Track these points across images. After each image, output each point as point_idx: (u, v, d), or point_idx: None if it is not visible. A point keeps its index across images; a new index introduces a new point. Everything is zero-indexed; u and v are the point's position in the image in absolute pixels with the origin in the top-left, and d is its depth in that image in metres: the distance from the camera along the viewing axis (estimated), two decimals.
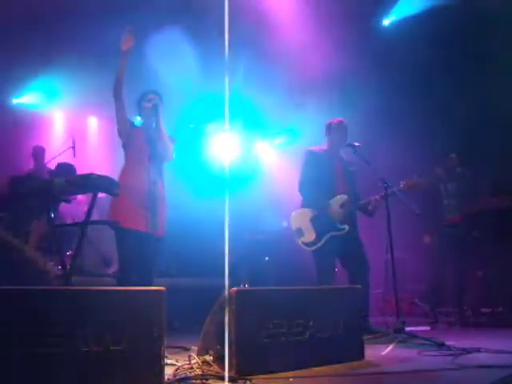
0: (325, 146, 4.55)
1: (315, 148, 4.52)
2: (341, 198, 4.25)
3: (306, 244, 4.31)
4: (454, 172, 5.64)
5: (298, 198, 4.58)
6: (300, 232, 4.35)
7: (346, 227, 4.21)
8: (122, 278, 3.54)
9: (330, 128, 4.53)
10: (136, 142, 3.70)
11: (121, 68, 3.60)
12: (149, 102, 3.72)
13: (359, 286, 3.47)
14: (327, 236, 4.23)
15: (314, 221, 4.30)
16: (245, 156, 9.22)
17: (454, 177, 5.66)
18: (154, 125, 3.69)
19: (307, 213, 4.36)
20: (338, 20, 6.27)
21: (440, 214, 5.62)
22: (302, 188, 4.39)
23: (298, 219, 4.39)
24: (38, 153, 6.54)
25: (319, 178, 4.27)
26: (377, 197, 4.21)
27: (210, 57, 6.13)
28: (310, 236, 4.29)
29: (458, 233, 5.50)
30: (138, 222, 3.49)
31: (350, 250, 4.31)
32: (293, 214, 4.46)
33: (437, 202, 5.65)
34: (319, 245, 4.24)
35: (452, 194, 5.66)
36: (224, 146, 9.10)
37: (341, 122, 4.50)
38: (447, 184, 5.69)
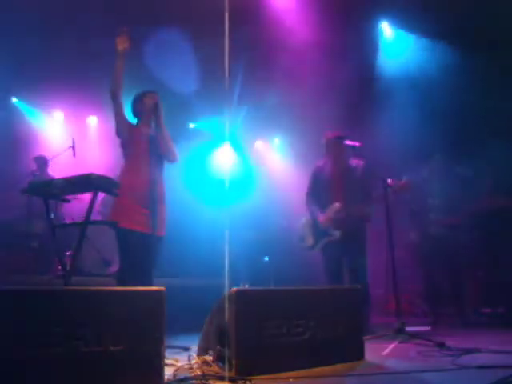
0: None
1: (320, 162, 4.87)
2: (334, 206, 4.54)
3: (307, 248, 4.81)
4: (439, 171, 5.72)
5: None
6: (302, 239, 4.84)
7: (337, 233, 4.51)
8: (122, 278, 3.54)
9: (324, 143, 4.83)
10: (136, 142, 3.68)
11: (117, 69, 3.57)
12: (149, 101, 3.72)
13: (359, 286, 3.48)
14: (322, 242, 4.65)
15: (312, 228, 4.74)
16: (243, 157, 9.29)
17: (438, 177, 5.72)
18: (154, 124, 3.68)
19: (308, 221, 4.81)
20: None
21: (425, 213, 5.64)
22: (306, 201, 4.86)
23: (302, 228, 4.86)
24: (41, 162, 6.57)
25: (318, 190, 4.73)
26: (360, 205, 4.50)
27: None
28: (309, 241, 4.76)
29: (457, 233, 5.50)
30: (139, 222, 3.49)
31: (347, 256, 4.61)
32: (299, 223, 4.93)
33: (421, 202, 5.67)
34: (316, 249, 4.71)
35: (437, 193, 5.70)
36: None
37: (327, 137, 4.75)
38: (434, 184, 5.74)
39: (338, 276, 4.61)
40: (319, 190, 4.74)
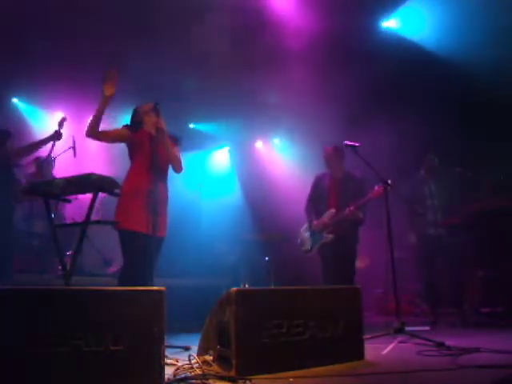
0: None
1: (321, 172, 5.30)
2: (330, 212, 4.99)
3: (305, 251, 5.20)
4: (435, 172, 5.75)
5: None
6: (302, 243, 5.24)
7: (330, 236, 4.93)
8: (124, 279, 3.55)
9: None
10: (139, 144, 3.70)
11: (100, 113, 3.52)
12: (144, 107, 3.76)
13: (359, 286, 3.48)
14: (318, 244, 5.04)
15: (310, 233, 5.15)
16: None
17: (435, 177, 5.75)
18: (155, 127, 3.68)
19: (306, 227, 5.23)
20: None
21: (423, 214, 5.65)
22: (305, 207, 5.28)
23: (302, 233, 5.28)
24: (43, 164, 6.55)
25: (317, 197, 5.18)
26: (351, 208, 4.83)
27: None
28: (307, 245, 5.16)
29: (458, 233, 5.50)
30: (142, 223, 3.50)
31: (338, 259, 4.91)
32: (301, 229, 5.32)
33: (420, 203, 5.69)
34: (312, 251, 5.10)
35: (435, 194, 5.73)
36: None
37: (326, 150, 5.16)
38: (431, 185, 5.77)
39: (331, 275, 4.90)
40: (318, 198, 5.15)
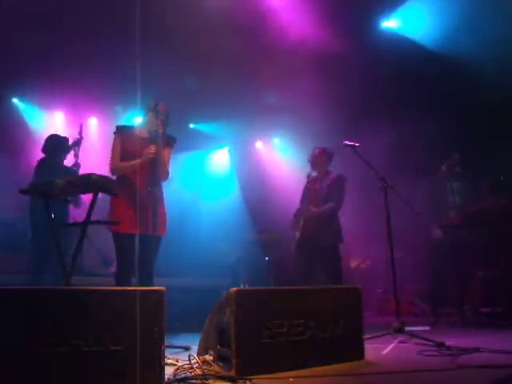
0: None
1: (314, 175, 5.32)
2: (303, 213, 5.07)
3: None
4: (456, 171, 5.69)
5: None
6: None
7: (297, 233, 5.04)
8: (120, 280, 3.56)
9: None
10: (133, 145, 3.70)
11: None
12: (160, 111, 3.74)
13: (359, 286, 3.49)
14: (295, 242, 5.15)
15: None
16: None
17: (457, 175, 5.70)
18: (156, 130, 3.68)
19: None
20: None
21: (444, 211, 5.62)
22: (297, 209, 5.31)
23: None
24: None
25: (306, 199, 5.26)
26: (300, 206, 5.07)
27: None
28: (293, 245, 5.20)
29: (458, 233, 5.49)
30: (134, 225, 3.48)
31: (314, 258, 4.95)
32: None
33: (441, 200, 5.66)
34: (294, 249, 5.16)
35: (457, 192, 5.68)
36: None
37: (313, 152, 5.17)
38: (452, 182, 5.72)
39: (310, 275, 4.98)
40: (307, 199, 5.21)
